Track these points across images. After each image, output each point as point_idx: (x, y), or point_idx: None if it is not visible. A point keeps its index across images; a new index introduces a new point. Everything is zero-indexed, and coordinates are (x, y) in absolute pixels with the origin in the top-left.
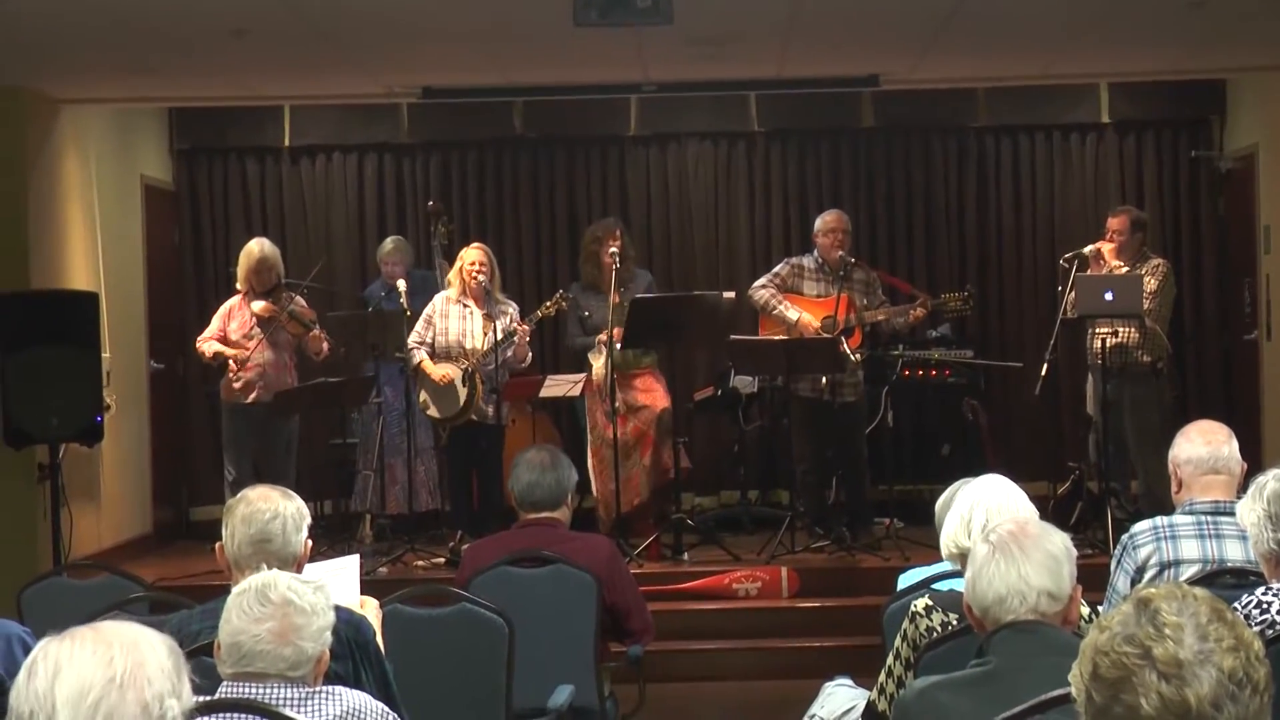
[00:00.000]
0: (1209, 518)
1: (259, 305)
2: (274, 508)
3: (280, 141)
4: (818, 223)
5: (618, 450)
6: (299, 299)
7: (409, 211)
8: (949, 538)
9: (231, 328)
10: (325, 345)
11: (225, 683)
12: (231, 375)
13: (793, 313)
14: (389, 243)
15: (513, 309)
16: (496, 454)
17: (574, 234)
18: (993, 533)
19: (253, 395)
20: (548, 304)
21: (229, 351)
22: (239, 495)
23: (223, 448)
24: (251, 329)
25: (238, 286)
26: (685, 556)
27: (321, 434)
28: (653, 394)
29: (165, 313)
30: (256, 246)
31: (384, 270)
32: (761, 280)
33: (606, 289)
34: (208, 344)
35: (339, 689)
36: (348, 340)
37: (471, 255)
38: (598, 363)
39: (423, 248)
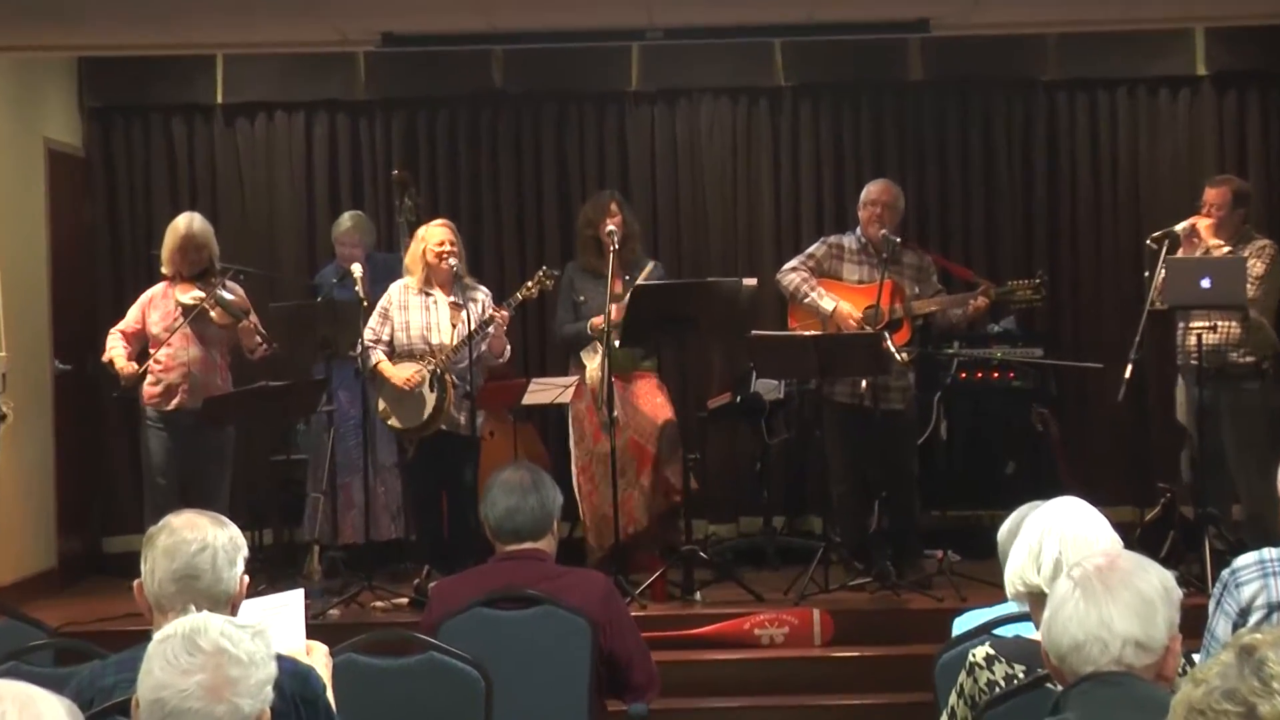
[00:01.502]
0: None
1: (186, 293)
2: (203, 537)
3: (212, 98)
4: (864, 191)
5: (615, 466)
6: (234, 285)
7: (368, 182)
8: (1015, 573)
9: (153, 319)
10: (260, 341)
11: None
12: (151, 377)
13: (828, 302)
14: (346, 219)
15: (484, 294)
16: (471, 472)
17: (564, 210)
18: (1077, 567)
19: (176, 400)
20: (529, 284)
21: (120, 363)
22: (161, 523)
23: (142, 465)
24: (175, 321)
25: (162, 271)
26: (697, 596)
27: (261, 448)
28: (653, 401)
29: (74, 303)
30: (184, 222)
31: (339, 252)
32: (792, 263)
33: (606, 274)
34: (111, 340)
35: None
36: (294, 336)
37: (438, 234)
38: (592, 364)
39: (384, 225)
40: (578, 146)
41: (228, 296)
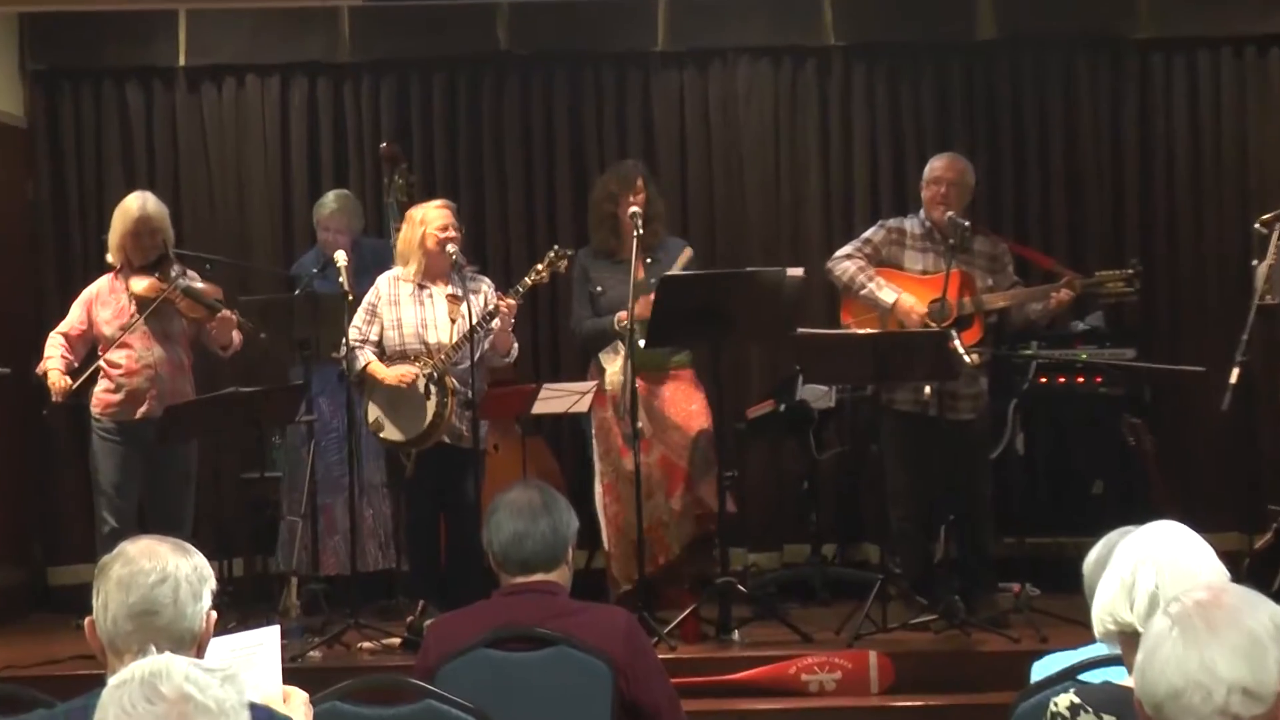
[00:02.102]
0: None
1: (141, 284)
2: (163, 567)
3: (173, 60)
4: (927, 167)
5: (640, 487)
6: (193, 275)
7: (353, 157)
8: (1104, 609)
9: (102, 317)
10: (237, 334)
11: None
12: (107, 382)
13: (888, 294)
14: (330, 200)
15: (487, 285)
16: (473, 491)
17: (579, 189)
18: (1176, 602)
19: (143, 409)
20: (539, 266)
21: (53, 376)
22: (115, 550)
23: (93, 484)
24: (131, 319)
25: (108, 259)
26: (735, 636)
27: (230, 465)
28: (687, 409)
29: (14, 295)
30: (136, 203)
31: (322, 238)
32: (845, 249)
33: (628, 259)
34: (50, 345)
35: None
36: (267, 336)
37: (437, 217)
38: (613, 366)
39: (372, 206)
40: (595, 117)
41: (197, 285)
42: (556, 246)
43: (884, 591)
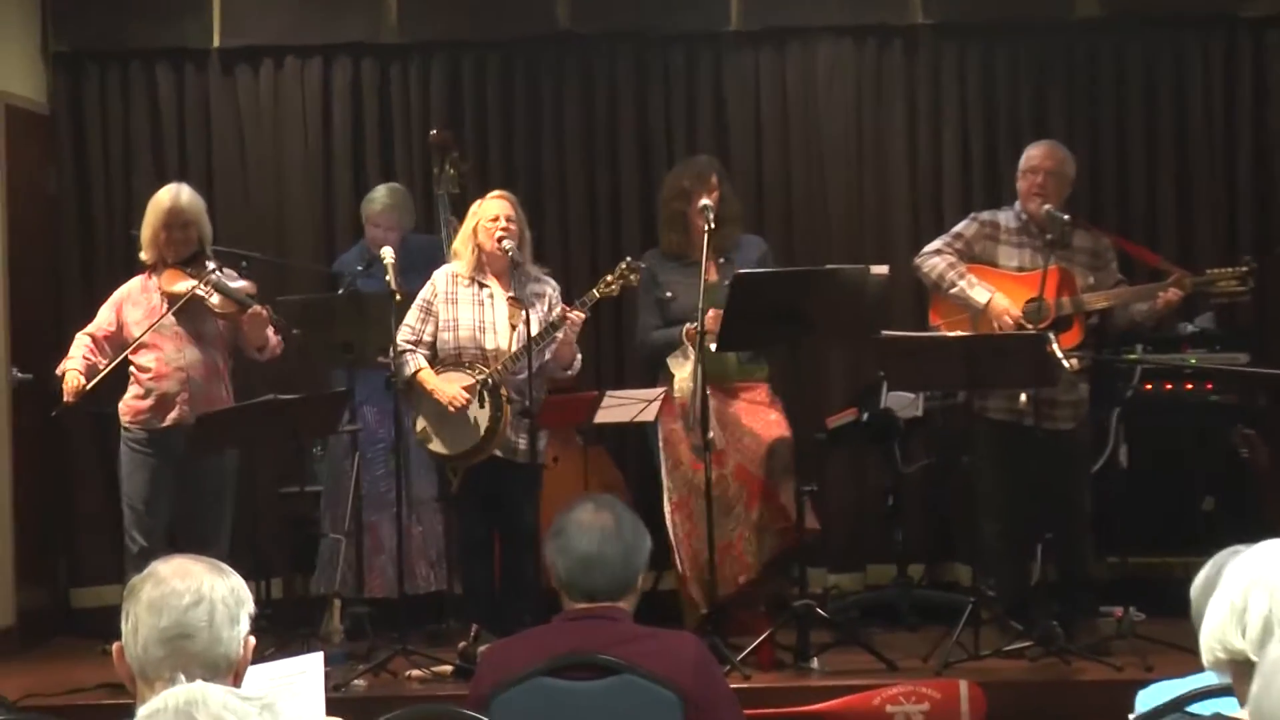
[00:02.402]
0: None
1: (173, 280)
2: (197, 588)
3: (206, 41)
4: (1023, 156)
5: (712, 503)
6: (231, 273)
7: (400, 145)
8: (1213, 636)
9: (133, 318)
10: (273, 333)
11: None
12: (136, 387)
13: (980, 292)
14: (383, 194)
15: (553, 289)
16: (531, 509)
17: (645, 181)
18: None
19: (173, 415)
20: (609, 278)
21: (70, 378)
22: (146, 570)
23: (122, 499)
24: (163, 318)
25: (142, 257)
26: (815, 664)
27: (268, 479)
28: (764, 419)
29: (34, 297)
30: (168, 195)
31: (371, 234)
32: (935, 244)
33: (699, 261)
34: (75, 346)
35: None
36: (308, 338)
37: (492, 209)
38: (682, 372)
39: (420, 199)
40: (662, 103)
41: (230, 284)
42: (629, 259)
43: (976, 616)
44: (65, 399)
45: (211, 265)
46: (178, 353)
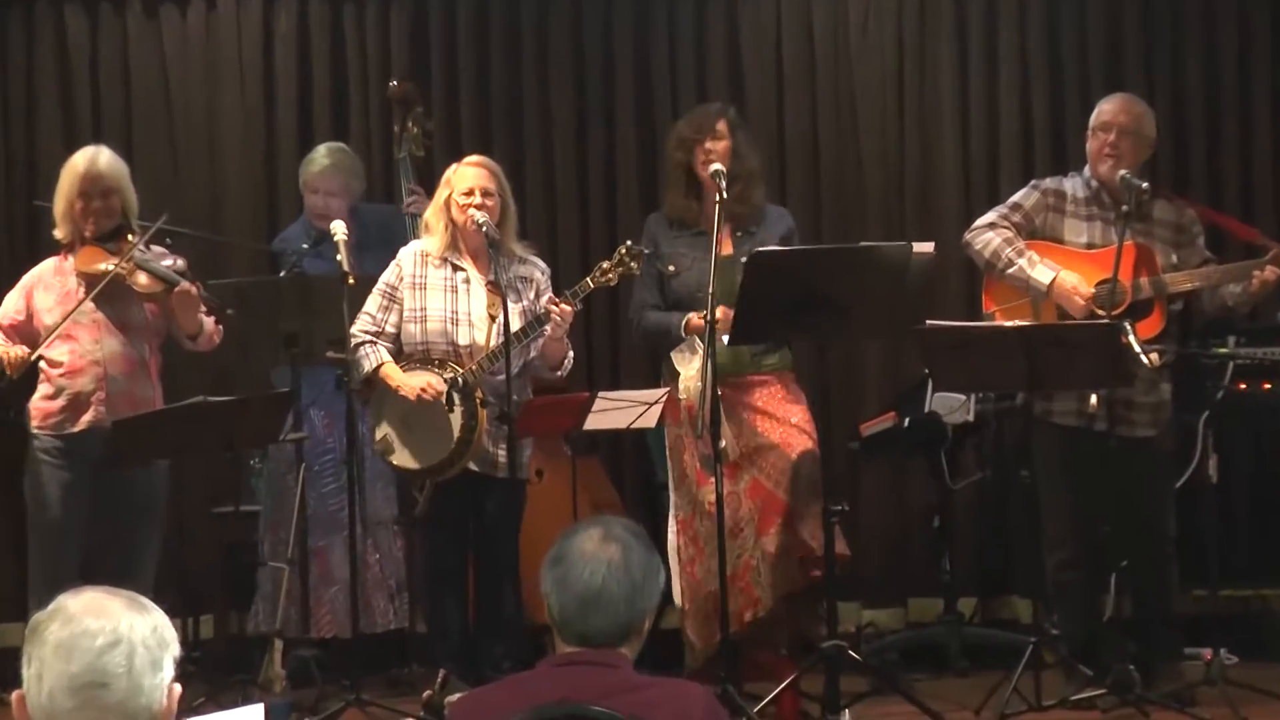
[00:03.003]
0: None
1: (90, 259)
2: (113, 628)
3: None
4: (1095, 111)
5: (723, 527)
6: (161, 251)
7: (355, 100)
8: None
9: (44, 304)
10: (205, 315)
11: None
12: (45, 386)
13: (1043, 272)
14: (321, 155)
15: (542, 273)
16: (510, 532)
17: (648, 142)
18: None
19: (87, 418)
20: (605, 265)
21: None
22: (53, 606)
23: (28, 519)
24: (81, 305)
25: (55, 234)
26: (846, 716)
27: (197, 497)
28: (786, 424)
29: None
30: (85, 160)
31: (311, 203)
32: (988, 217)
33: (709, 229)
34: None
35: None
36: (245, 329)
37: (468, 177)
38: (688, 369)
39: (379, 162)
40: (666, 49)
41: (157, 264)
42: (629, 243)
43: (1038, 658)
44: (10, 374)
45: (137, 241)
46: (94, 344)
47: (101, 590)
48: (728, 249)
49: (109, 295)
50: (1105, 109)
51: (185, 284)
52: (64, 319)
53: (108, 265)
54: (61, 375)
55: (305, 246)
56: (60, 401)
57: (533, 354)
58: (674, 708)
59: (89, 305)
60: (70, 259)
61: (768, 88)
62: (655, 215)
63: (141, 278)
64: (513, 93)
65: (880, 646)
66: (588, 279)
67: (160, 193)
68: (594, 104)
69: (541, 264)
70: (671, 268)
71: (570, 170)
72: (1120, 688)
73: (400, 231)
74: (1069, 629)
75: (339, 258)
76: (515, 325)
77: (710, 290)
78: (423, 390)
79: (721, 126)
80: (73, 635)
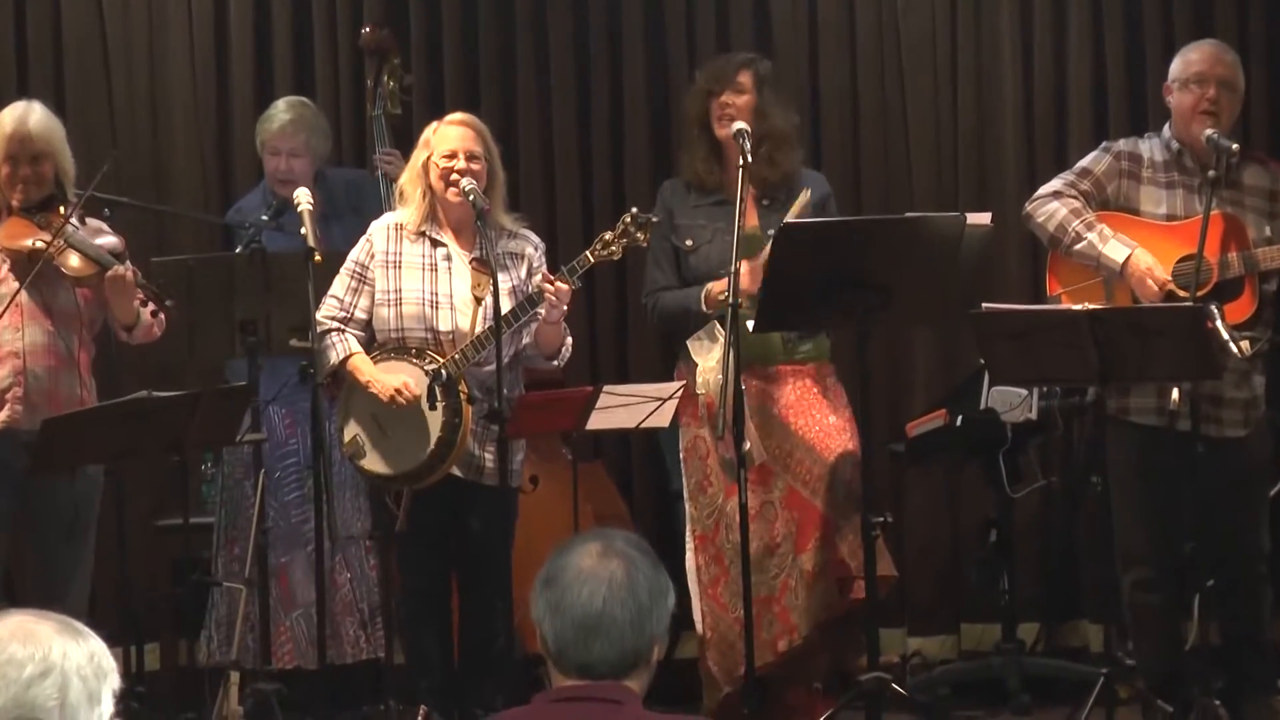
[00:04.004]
0: None
1: (16, 233)
2: (44, 656)
3: None
4: (1177, 61)
5: (748, 541)
6: (98, 224)
7: (321, 49)
8: None
9: None
10: (141, 301)
11: None
12: None
13: (1116, 248)
14: (281, 111)
15: (534, 248)
16: (501, 548)
17: (661, 99)
18: None
19: (2, 417)
20: (608, 236)
21: None
22: None
23: None
24: (2, 283)
25: None
26: None
27: (140, 508)
28: (823, 423)
29: None
30: (12, 119)
31: (271, 166)
32: (1053, 184)
33: (734, 198)
34: None
35: None
36: (193, 314)
37: (449, 139)
38: (707, 359)
39: (349, 122)
40: None
41: (93, 239)
42: (635, 210)
43: (1110, 693)
44: None
45: (68, 214)
46: (14, 333)
47: (30, 613)
48: (753, 221)
49: (33, 275)
50: (1195, 58)
51: (119, 267)
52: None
53: (35, 242)
54: None
55: (264, 218)
56: None
57: (525, 341)
58: None
59: (9, 288)
60: None
61: (799, 38)
62: (670, 182)
63: (72, 258)
64: (503, 41)
65: (929, 680)
66: (587, 253)
67: (96, 157)
68: (598, 56)
69: (534, 238)
70: (689, 242)
71: (570, 133)
72: None
73: (373, 200)
74: (1146, 659)
75: (303, 231)
76: (504, 308)
77: (733, 267)
78: (397, 393)
79: (744, 79)
80: None
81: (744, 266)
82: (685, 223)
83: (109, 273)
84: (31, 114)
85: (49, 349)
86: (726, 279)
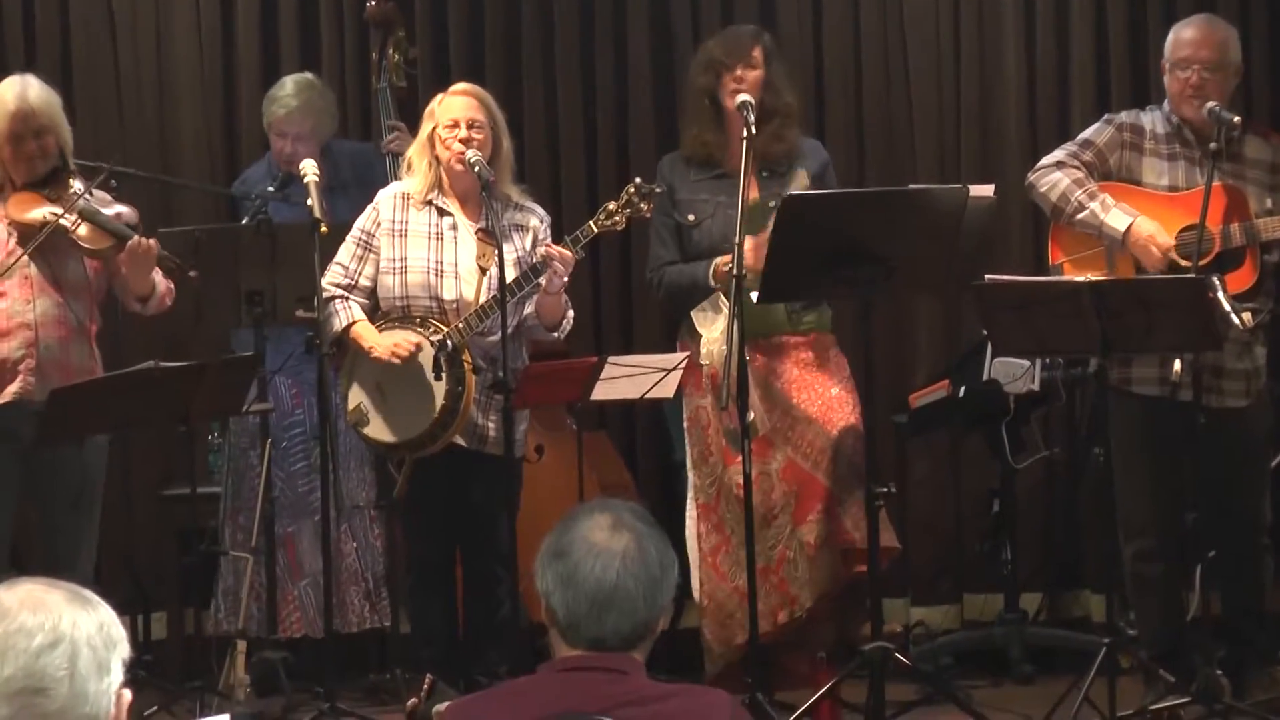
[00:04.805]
0: None
1: (25, 206)
2: (54, 625)
3: None
4: (1169, 41)
5: (751, 512)
6: (104, 196)
7: (326, 21)
8: None
9: None
10: (160, 277)
11: None
12: None
13: (1118, 217)
14: (288, 93)
15: (539, 220)
16: (505, 518)
17: (664, 71)
18: None
19: (14, 388)
20: (611, 206)
21: None
22: None
23: None
24: (11, 256)
25: None
26: None
27: (147, 477)
28: (825, 394)
29: None
30: (13, 93)
31: (278, 146)
32: (1056, 155)
33: (735, 171)
34: None
35: None
36: (201, 284)
37: (454, 109)
38: (711, 330)
39: (355, 94)
40: None
41: (105, 210)
42: (638, 180)
43: (1112, 662)
44: None
45: (78, 185)
46: (25, 304)
47: (40, 582)
48: (754, 193)
49: (44, 248)
50: (1182, 39)
51: (140, 239)
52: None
53: (46, 213)
54: None
55: (270, 189)
56: None
57: (527, 311)
58: (695, 718)
59: (20, 259)
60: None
61: (803, 10)
62: (670, 156)
63: (86, 230)
64: (509, 14)
65: (932, 649)
66: (590, 223)
67: (102, 129)
68: (603, 30)
69: (540, 210)
70: (691, 216)
71: (575, 104)
72: (1206, 696)
73: (379, 172)
74: (1148, 629)
75: (309, 202)
76: (509, 278)
77: (737, 239)
78: (395, 349)
79: (757, 54)
80: (6, 634)
81: (749, 242)
82: (686, 197)
83: (129, 244)
84: (30, 89)
85: (60, 320)
86: (730, 255)
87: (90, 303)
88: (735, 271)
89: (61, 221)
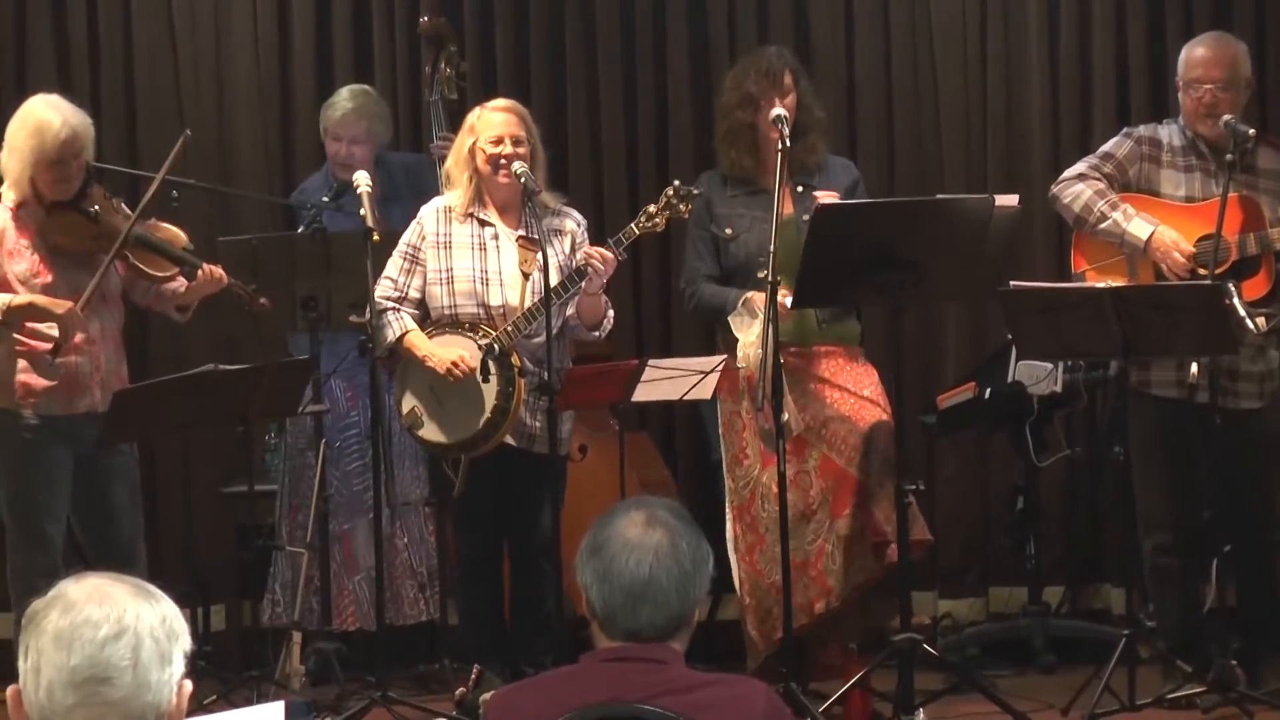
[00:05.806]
0: None
1: (69, 230)
2: (119, 617)
3: None
4: (1181, 60)
5: (786, 509)
6: (116, 202)
7: (380, 37)
8: None
9: (15, 271)
10: (245, 296)
11: None
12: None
13: (1140, 226)
14: (344, 99)
15: (576, 224)
16: (550, 514)
17: (702, 82)
18: None
19: (85, 402)
20: (652, 208)
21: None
22: (52, 593)
23: (8, 504)
24: (50, 271)
25: (5, 189)
26: (921, 716)
27: (206, 476)
28: (858, 396)
29: None
30: (55, 118)
31: (333, 151)
32: (1078, 167)
33: (770, 187)
34: None
35: None
36: (259, 291)
37: (493, 125)
38: (747, 335)
39: (407, 107)
40: None
41: (159, 235)
42: (677, 183)
43: (1131, 653)
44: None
45: (104, 196)
46: (87, 321)
47: (105, 576)
48: (789, 208)
49: (93, 267)
50: (1194, 59)
51: (210, 268)
52: (92, 291)
53: (95, 240)
54: (53, 350)
55: (325, 199)
56: (49, 379)
57: (569, 312)
58: (732, 707)
59: (57, 276)
60: (24, 222)
61: (836, 26)
62: (709, 174)
63: (139, 257)
64: (554, 30)
65: (958, 640)
66: (633, 225)
67: (163, 142)
68: (643, 43)
69: (576, 215)
70: (728, 230)
71: (617, 117)
72: (1222, 685)
73: (431, 182)
74: (1166, 621)
75: (362, 212)
76: (559, 277)
77: (772, 247)
78: (454, 365)
79: (788, 80)
80: (73, 625)
81: (781, 291)
82: (724, 212)
83: (200, 271)
84: (69, 113)
85: (109, 332)
86: (766, 293)
87: (121, 309)
88: (770, 278)
89: (121, 250)
